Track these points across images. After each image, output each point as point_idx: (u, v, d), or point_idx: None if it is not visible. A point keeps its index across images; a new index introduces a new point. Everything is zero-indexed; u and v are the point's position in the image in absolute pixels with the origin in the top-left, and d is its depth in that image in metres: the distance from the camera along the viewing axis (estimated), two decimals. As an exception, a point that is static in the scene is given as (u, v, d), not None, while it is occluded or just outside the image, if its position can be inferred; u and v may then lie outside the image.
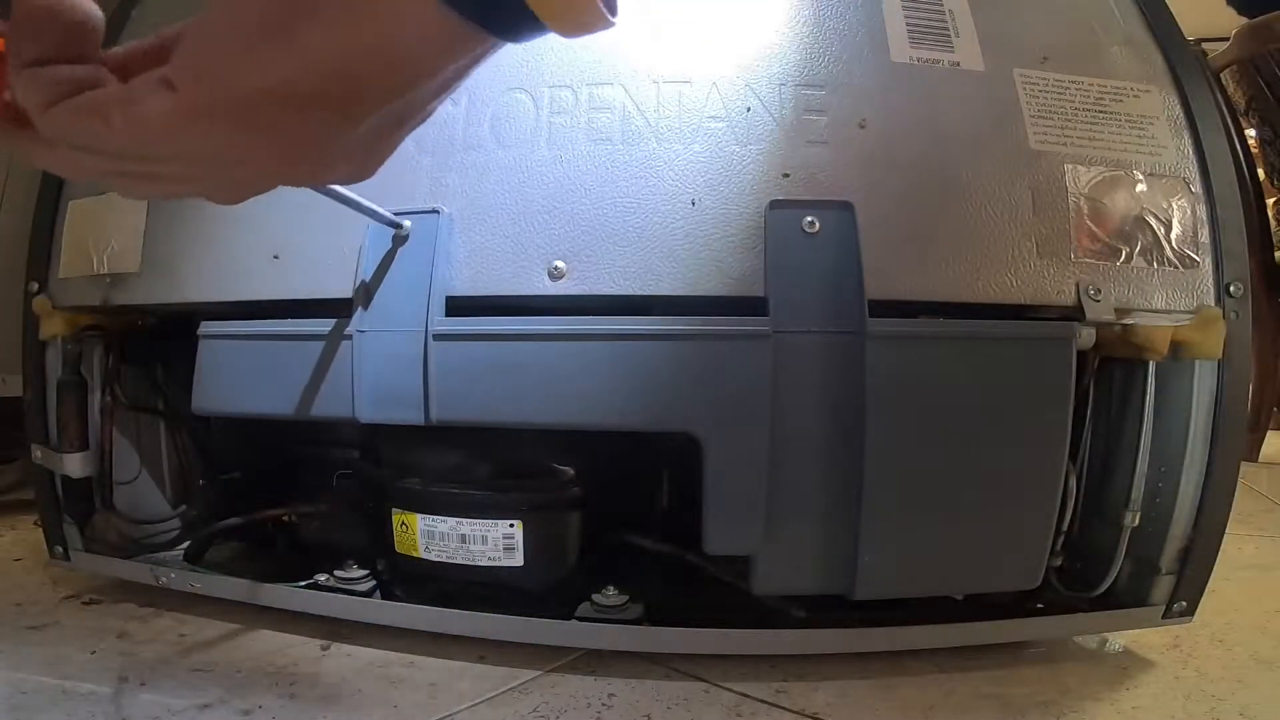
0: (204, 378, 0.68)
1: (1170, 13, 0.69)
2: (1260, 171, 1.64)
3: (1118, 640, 0.70)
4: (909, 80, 0.63)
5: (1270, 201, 1.69)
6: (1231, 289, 0.62)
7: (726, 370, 0.58)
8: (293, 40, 0.24)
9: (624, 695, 0.60)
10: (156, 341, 0.80)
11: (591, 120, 0.63)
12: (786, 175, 0.61)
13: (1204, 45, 1.47)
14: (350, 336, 0.62)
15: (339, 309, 0.63)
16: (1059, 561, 0.67)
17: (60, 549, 0.77)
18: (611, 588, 0.66)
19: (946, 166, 0.61)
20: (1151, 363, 0.63)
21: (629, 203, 0.61)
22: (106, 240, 0.72)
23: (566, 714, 0.57)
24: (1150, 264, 0.62)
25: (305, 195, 0.66)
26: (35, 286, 0.76)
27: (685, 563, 0.67)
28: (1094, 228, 0.62)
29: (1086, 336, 0.60)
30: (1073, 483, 0.65)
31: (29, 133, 0.28)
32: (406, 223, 0.62)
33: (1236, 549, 0.99)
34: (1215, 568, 0.65)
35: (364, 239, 0.64)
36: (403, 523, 0.67)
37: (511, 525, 0.64)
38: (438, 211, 0.63)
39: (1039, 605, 0.68)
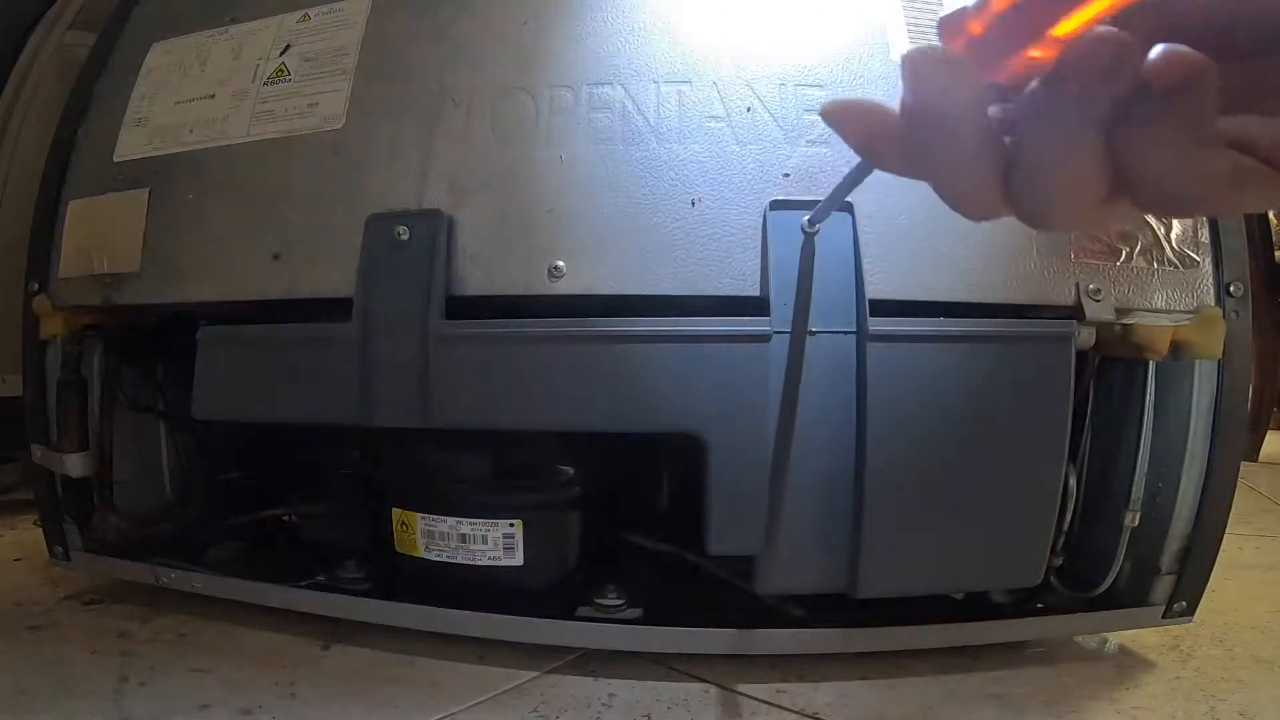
0: (203, 383, 0.68)
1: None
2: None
3: (1117, 640, 0.70)
4: (909, 80, 0.63)
5: (1270, 201, 1.68)
6: (1231, 289, 0.62)
7: (727, 370, 0.58)
8: None
9: (624, 695, 0.60)
10: (156, 341, 0.80)
11: (591, 120, 0.63)
12: (786, 175, 0.61)
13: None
14: (349, 340, 0.62)
15: (339, 308, 0.63)
16: (1059, 561, 0.67)
17: (60, 549, 0.77)
18: (611, 588, 0.66)
19: (946, 166, 0.61)
20: (1151, 363, 0.63)
21: (629, 203, 0.61)
22: (106, 240, 0.72)
23: (566, 714, 0.57)
24: (1150, 264, 0.62)
25: (305, 194, 0.67)
26: (35, 286, 0.76)
27: (685, 562, 0.67)
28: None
29: (1086, 336, 0.60)
30: (1073, 483, 0.65)
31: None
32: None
33: (1236, 549, 0.99)
34: (1215, 568, 0.65)
35: (364, 239, 0.63)
36: (403, 522, 0.67)
37: (511, 525, 0.64)
38: (438, 212, 0.62)
39: (1039, 605, 0.68)
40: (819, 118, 0.63)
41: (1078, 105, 0.19)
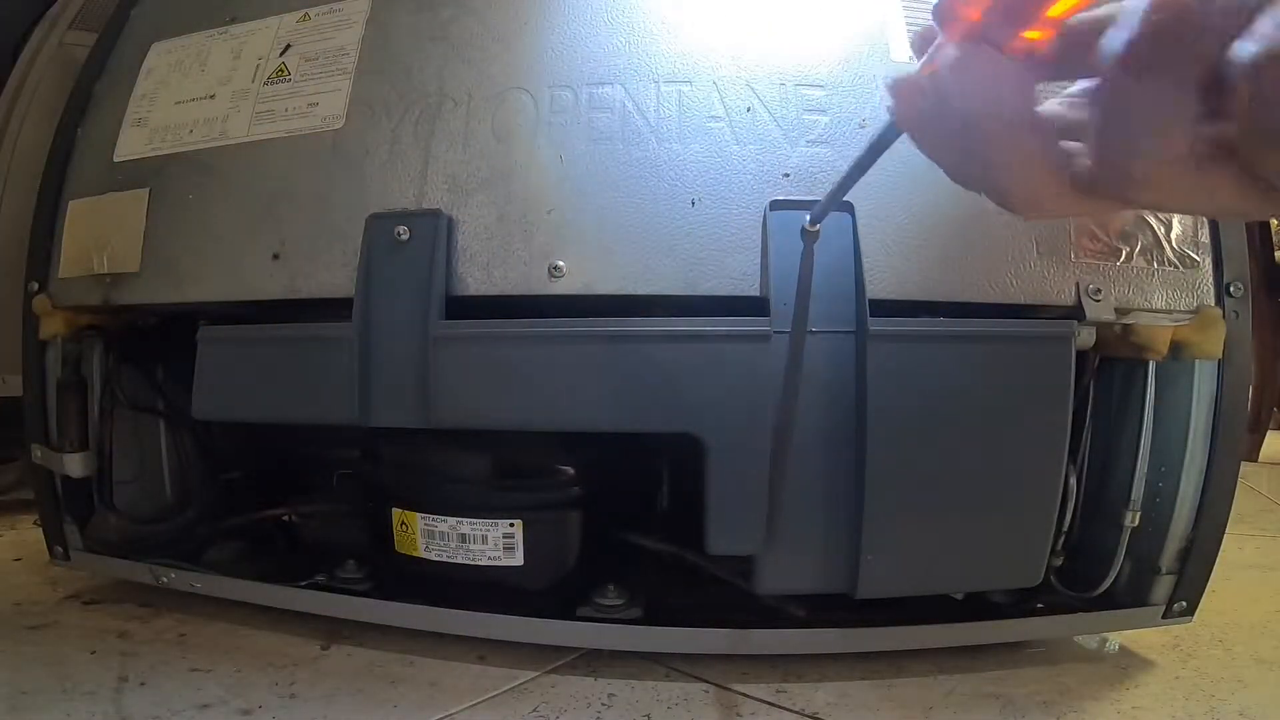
0: (203, 383, 0.68)
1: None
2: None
3: (1117, 640, 0.70)
4: (909, 80, 0.63)
5: (1270, 201, 1.69)
6: (1232, 289, 0.62)
7: (727, 370, 0.58)
8: None
9: (624, 695, 0.60)
10: (156, 341, 0.80)
11: (591, 120, 0.63)
12: (786, 175, 0.61)
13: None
14: (350, 339, 0.62)
15: (339, 309, 0.63)
16: (1059, 561, 0.67)
17: (60, 549, 0.77)
18: (611, 587, 0.66)
19: (946, 166, 0.61)
20: (1151, 363, 0.63)
21: (629, 202, 0.61)
22: (106, 240, 0.72)
23: (566, 714, 0.57)
24: (1150, 264, 0.62)
25: (305, 194, 0.67)
26: (35, 286, 0.76)
27: (686, 562, 0.67)
28: (1094, 227, 0.62)
29: (1086, 336, 0.60)
30: (1073, 483, 0.65)
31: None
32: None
33: (1236, 549, 0.99)
34: (1215, 568, 0.65)
35: (364, 239, 0.64)
36: (403, 522, 0.67)
37: (511, 525, 0.64)
38: (437, 213, 0.63)
39: (1039, 605, 0.68)
40: (819, 118, 0.63)
41: (1173, 55, 0.17)
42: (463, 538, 0.65)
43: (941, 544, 0.60)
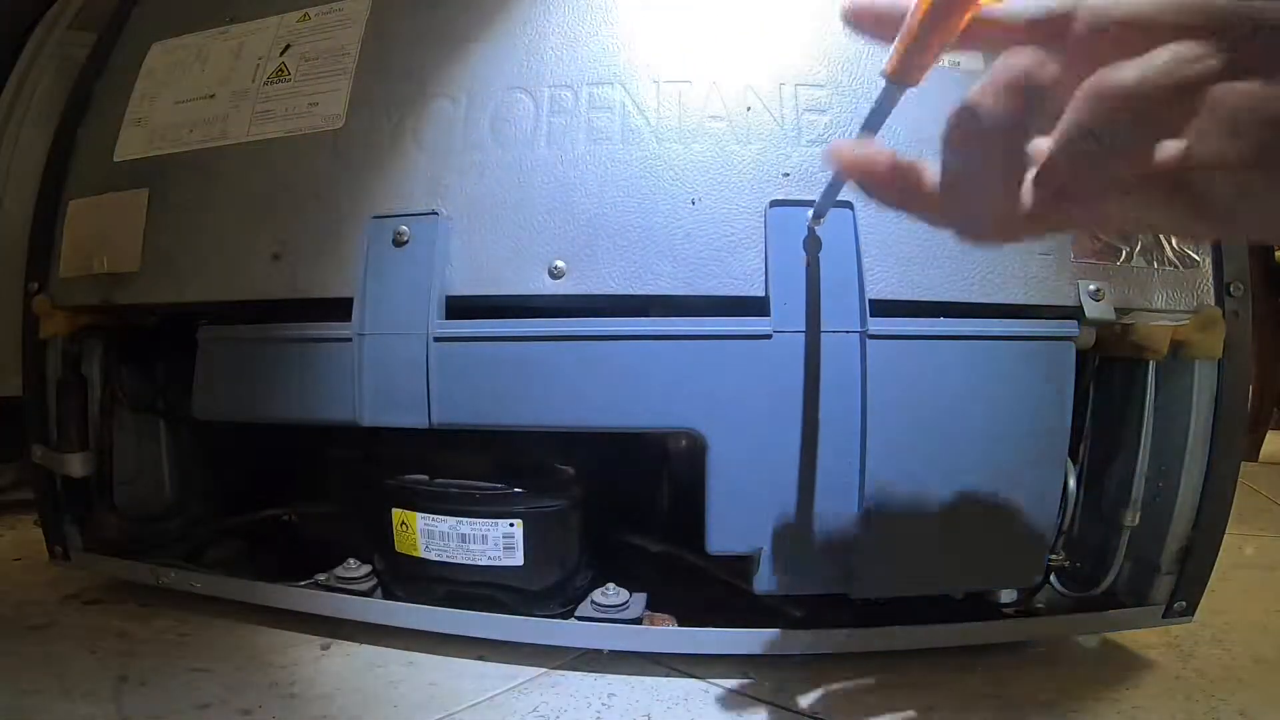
0: (204, 383, 0.68)
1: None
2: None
3: (1117, 640, 0.70)
4: (909, 80, 0.63)
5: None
6: (1232, 288, 0.62)
7: (728, 370, 0.58)
8: None
9: (624, 695, 0.60)
10: (156, 341, 0.80)
11: (591, 120, 0.63)
12: (786, 175, 0.61)
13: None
14: (351, 339, 0.62)
15: (340, 309, 0.63)
16: (1059, 561, 0.67)
17: (60, 549, 0.77)
18: (612, 586, 0.66)
19: (946, 166, 0.61)
20: (1151, 363, 0.63)
21: (629, 202, 0.61)
22: (106, 240, 0.72)
23: (566, 714, 0.57)
24: (1150, 263, 0.62)
25: (305, 194, 0.67)
26: (35, 286, 0.76)
27: (685, 562, 0.67)
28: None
29: (1086, 336, 0.61)
30: (1073, 483, 0.65)
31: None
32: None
33: (1236, 549, 0.99)
34: (1215, 568, 0.65)
35: (364, 239, 0.64)
36: (403, 522, 0.67)
37: (512, 524, 0.64)
38: (437, 213, 0.63)
39: (1039, 605, 0.68)
40: (819, 117, 0.63)
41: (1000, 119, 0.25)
42: (463, 538, 0.65)
43: (941, 544, 0.60)
